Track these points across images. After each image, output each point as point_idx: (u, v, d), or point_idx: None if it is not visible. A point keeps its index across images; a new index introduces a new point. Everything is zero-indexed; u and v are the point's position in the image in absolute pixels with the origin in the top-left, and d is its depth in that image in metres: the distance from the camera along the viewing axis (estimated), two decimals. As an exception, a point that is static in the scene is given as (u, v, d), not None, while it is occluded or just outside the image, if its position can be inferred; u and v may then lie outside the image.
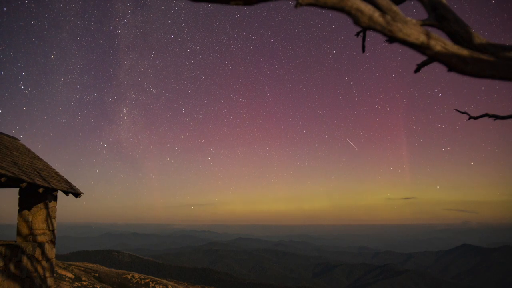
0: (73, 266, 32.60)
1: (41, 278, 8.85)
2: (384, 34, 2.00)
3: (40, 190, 8.33)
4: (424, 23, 2.19)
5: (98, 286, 26.18)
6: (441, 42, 2.04)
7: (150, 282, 34.60)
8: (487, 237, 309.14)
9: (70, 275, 27.60)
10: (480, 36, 2.24)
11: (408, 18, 2.05)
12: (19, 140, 11.30)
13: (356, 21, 1.93)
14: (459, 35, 2.22)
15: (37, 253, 8.80)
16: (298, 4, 1.86)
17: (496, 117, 5.34)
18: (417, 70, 2.63)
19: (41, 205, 9.26)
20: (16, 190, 9.39)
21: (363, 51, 3.36)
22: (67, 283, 23.80)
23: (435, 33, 2.09)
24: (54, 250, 9.54)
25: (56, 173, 10.27)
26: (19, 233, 9.08)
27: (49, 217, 9.41)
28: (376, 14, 1.94)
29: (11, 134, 11.14)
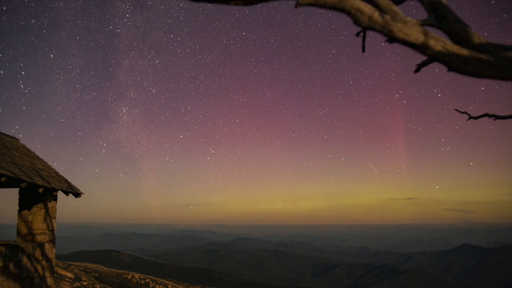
0: (73, 266, 32.60)
1: (41, 278, 8.84)
2: (384, 34, 2.00)
3: (40, 190, 8.33)
4: (424, 23, 2.19)
5: (98, 286, 26.18)
6: (441, 42, 2.05)
7: (150, 282, 34.59)
8: (487, 237, 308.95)
9: (70, 275, 27.59)
10: (480, 36, 2.24)
11: (408, 18, 2.05)
12: (19, 140, 11.30)
13: (356, 21, 1.93)
14: (459, 35, 2.22)
15: (37, 253, 8.80)
16: (298, 4, 1.86)
17: (496, 117, 5.34)
18: (417, 70, 2.63)
19: (41, 205, 9.26)
20: (16, 190, 9.40)
21: (363, 51, 3.36)
22: (67, 283, 23.80)
23: (435, 33, 2.10)
24: (54, 250, 9.54)
25: (56, 173, 10.27)
26: (19, 233, 9.08)
27: (49, 217, 9.41)
28: (376, 14, 1.94)
29: (10, 133, 11.15)
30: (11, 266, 7.78)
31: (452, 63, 2.06)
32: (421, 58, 2.44)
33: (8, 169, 7.56)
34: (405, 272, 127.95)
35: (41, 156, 10.96)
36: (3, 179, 7.08)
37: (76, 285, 24.27)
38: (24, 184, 7.70)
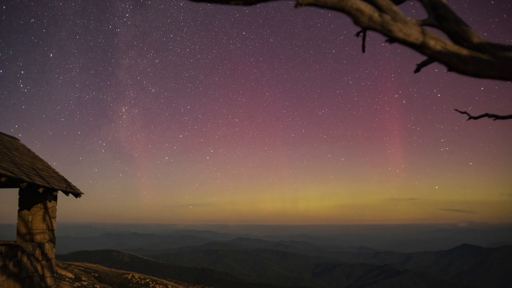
0: (73, 266, 32.60)
1: (41, 278, 8.84)
2: (384, 34, 2.00)
3: (40, 190, 8.33)
4: (424, 23, 2.19)
5: (98, 286, 26.18)
6: (441, 42, 2.05)
7: (150, 282, 34.58)
8: (487, 237, 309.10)
9: (70, 275, 27.59)
10: (480, 36, 2.24)
11: (408, 18, 2.05)
12: (19, 140, 11.30)
13: (356, 21, 1.93)
14: (459, 35, 2.22)
15: (37, 253, 8.80)
16: (298, 4, 1.86)
17: (496, 117, 5.34)
18: (417, 70, 2.63)
19: (41, 205, 9.26)
20: (16, 190, 9.40)
21: (363, 51, 3.36)
22: (67, 283, 23.81)
23: (435, 33, 2.10)
24: (54, 250, 9.55)
25: (56, 173, 10.27)
26: (19, 233, 9.08)
27: (49, 217, 9.41)
28: (376, 14, 1.94)
29: (9, 133, 11.16)
30: (11, 265, 7.78)
31: (452, 63, 2.06)
32: (421, 58, 2.44)
33: (8, 169, 7.56)
34: (405, 272, 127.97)
35: (40, 156, 10.96)
36: (3, 179, 7.08)
37: (76, 285, 24.28)
38: (24, 184, 7.70)
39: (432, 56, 2.06)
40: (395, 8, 2.03)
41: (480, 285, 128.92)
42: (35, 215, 9.18)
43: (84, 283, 26.08)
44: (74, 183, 10.44)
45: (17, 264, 7.98)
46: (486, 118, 5.54)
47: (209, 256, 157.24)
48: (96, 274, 33.17)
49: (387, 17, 1.96)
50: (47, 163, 10.64)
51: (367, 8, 1.92)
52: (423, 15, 2.40)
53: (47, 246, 9.25)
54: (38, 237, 9.12)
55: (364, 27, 1.95)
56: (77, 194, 10.03)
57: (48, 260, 9.22)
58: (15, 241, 9.00)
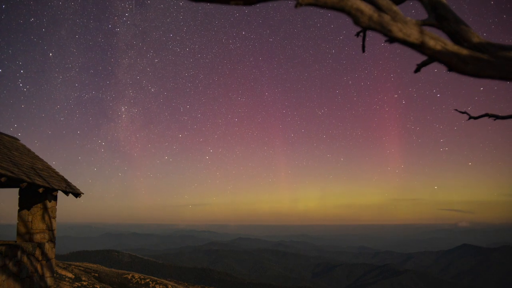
0: (73, 266, 32.59)
1: (41, 277, 8.84)
2: (384, 34, 2.00)
3: (40, 190, 8.33)
4: (424, 23, 2.19)
5: (98, 286, 26.17)
6: (441, 42, 2.05)
7: (150, 282, 34.58)
8: (487, 237, 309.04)
9: (70, 275, 27.59)
10: (480, 36, 2.24)
11: (408, 18, 2.05)
12: (19, 140, 11.30)
13: (356, 21, 1.93)
14: (459, 35, 2.22)
15: (37, 253, 8.80)
16: (298, 4, 1.86)
17: (496, 117, 5.34)
18: (417, 70, 2.62)
19: (41, 205, 9.26)
20: (16, 190, 9.40)
21: (363, 51, 3.36)
22: (67, 283, 23.80)
23: (435, 33, 2.10)
24: (54, 250, 9.54)
25: (56, 173, 10.26)
26: (19, 233, 9.08)
27: (49, 217, 9.41)
28: (376, 14, 1.94)
29: (9, 132, 11.17)
30: (11, 265, 7.78)
31: (452, 63, 2.06)
32: (421, 58, 2.44)
33: (8, 169, 7.56)
34: (405, 272, 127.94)
35: (39, 155, 10.96)
36: (3, 179, 7.08)
37: (76, 285, 24.28)
38: (24, 184, 7.70)
39: (432, 56, 2.06)
40: (395, 8, 2.03)
41: (480, 285, 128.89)
42: (35, 215, 9.18)
43: (84, 283, 26.08)
44: (73, 182, 10.44)
45: (17, 264, 7.98)
46: (485, 118, 5.54)
47: (209, 256, 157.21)
48: (96, 274, 33.16)
49: (387, 17, 1.96)
50: (47, 163, 10.64)
51: (367, 8, 1.92)
52: (423, 15, 2.40)
53: (47, 246, 9.25)
54: (38, 237, 9.12)
55: (364, 27, 1.95)
56: (77, 194, 10.03)
57: (48, 260, 9.22)
58: (15, 241, 9.00)
